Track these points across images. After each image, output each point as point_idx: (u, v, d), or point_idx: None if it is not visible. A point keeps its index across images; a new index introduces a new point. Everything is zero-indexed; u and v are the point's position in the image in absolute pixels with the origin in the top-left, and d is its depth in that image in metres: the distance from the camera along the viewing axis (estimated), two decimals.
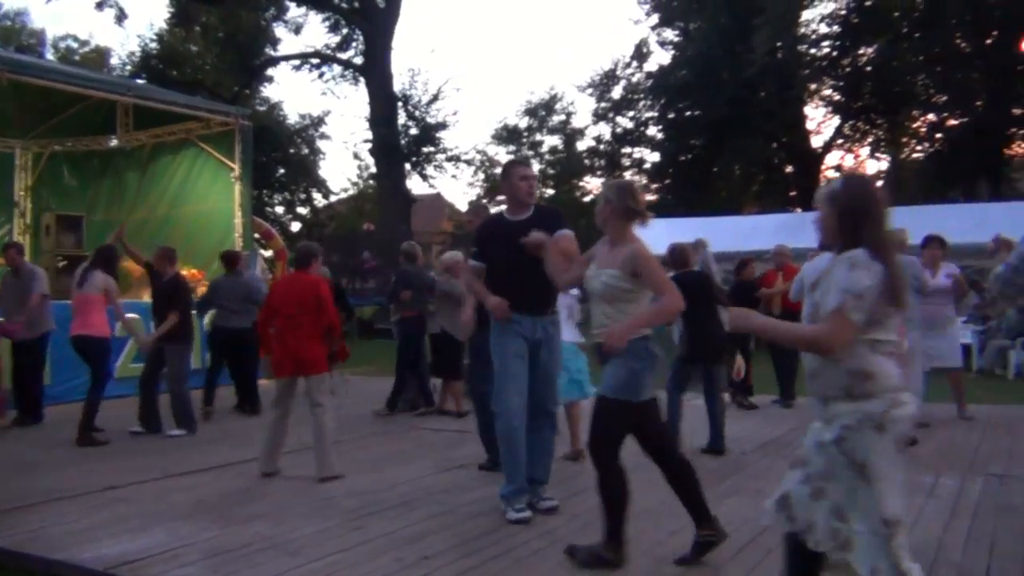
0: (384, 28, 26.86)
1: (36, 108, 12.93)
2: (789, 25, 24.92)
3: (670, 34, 30.12)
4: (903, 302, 2.64)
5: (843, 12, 26.77)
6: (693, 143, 28.51)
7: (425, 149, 28.84)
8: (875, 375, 2.61)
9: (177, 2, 29.05)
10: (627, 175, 32.86)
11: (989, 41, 24.08)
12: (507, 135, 36.17)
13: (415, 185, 30.38)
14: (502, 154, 36.96)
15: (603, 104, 32.97)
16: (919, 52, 24.87)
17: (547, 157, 35.62)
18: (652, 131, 31.51)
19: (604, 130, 33.76)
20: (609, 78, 32.66)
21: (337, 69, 30.56)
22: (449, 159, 29.57)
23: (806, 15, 27.01)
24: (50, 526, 4.71)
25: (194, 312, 9.12)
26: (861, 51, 26.80)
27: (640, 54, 31.86)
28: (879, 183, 2.27)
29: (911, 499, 4.99)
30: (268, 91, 36.40)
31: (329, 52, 30.27)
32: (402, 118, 28.55)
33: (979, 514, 4.74)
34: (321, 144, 36.83)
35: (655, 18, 29.99)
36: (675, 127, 29.01)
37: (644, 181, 30.50)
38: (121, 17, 28.31)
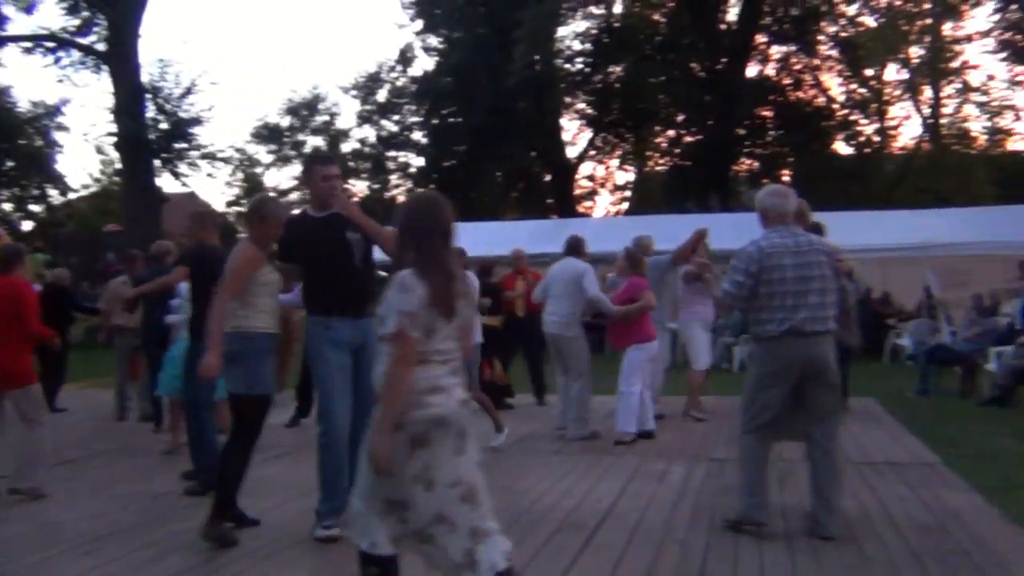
0: (130, 14, 24.96)
1: None
2: (546, 40, 26.13)
3: (434, 41, 30.45)
4: (452, 313, 2.82)
5: (595, 32, 28.65)
6: (456, 149, 29.05)
7: (177, 145, 27.11)
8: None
9: None
10: (392, 179, 32.91)
11: (719, 67, 26.66)
12: (268, 134, 34.97)
13: (167, 183, 28.53)
14: (262, 153, 35.77)
15: (368, 107, 32.75)
16: (661, 73, 27.14)
17: None
18: (417, 136, 31.73)
19: (369, 133, 33.57)
20: (374, 81, 32.45)
21: (76, 55, 27.92)
22: (204, 156, 28.00)
23: (562, 31, 28.62)
24: None
25: None
26: (611, 69, 28.79)
27: (405, 59, 31.95)
28: (438, 201, 2.51)
29: (644, 486, 5.44)
30: None
31: (66, 36, 27.64)
32: (151, 111, 26.68)
33: (702, 495, 5.27)
34: (58, 136, 33.54)
35: (419, 24, 30.23)
36: (439, 133, 29.39)
37: (410, 185, 30.65)
38: None
